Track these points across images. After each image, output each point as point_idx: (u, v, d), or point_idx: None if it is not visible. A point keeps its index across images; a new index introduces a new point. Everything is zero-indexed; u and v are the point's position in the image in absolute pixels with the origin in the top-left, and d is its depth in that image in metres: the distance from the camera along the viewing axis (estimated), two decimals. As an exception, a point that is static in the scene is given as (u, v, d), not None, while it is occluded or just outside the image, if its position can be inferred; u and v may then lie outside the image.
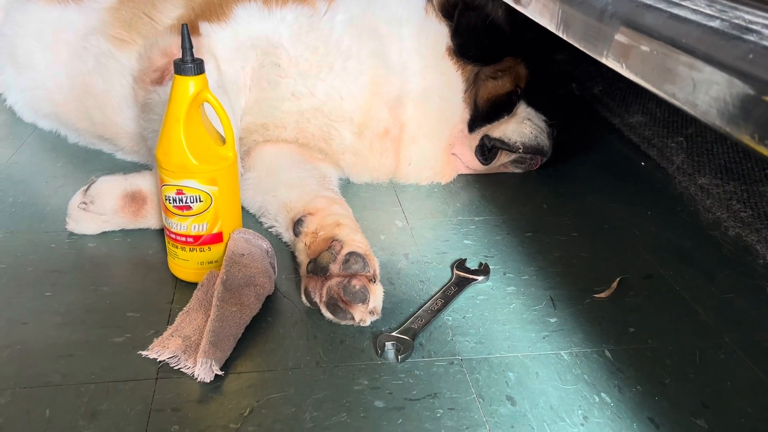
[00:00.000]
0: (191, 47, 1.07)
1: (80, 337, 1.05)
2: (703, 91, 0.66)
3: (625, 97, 2.13)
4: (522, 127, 1.64)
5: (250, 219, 1.40)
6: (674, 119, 1.96)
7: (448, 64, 1.57)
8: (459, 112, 1.59)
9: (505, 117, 1.63)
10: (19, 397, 0.93)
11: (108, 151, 1.67)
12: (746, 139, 0.61)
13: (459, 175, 1.68)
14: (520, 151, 1.63)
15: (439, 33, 1.58)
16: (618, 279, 1.25)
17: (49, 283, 1.18)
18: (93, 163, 1.63)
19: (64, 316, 1.10)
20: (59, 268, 1.22)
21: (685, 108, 0.70)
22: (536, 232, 1.43)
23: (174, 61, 1.07)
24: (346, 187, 1.59)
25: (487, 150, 1.62)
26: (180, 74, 1.07)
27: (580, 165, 1.78)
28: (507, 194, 1.61)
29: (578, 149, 1.85)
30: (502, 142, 1.62)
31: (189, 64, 1.06)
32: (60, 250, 1.28)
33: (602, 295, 1.22)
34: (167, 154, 1.09)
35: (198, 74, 1.07)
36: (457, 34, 1.57)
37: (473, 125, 1.60)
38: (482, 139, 1.62)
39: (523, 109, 1.67)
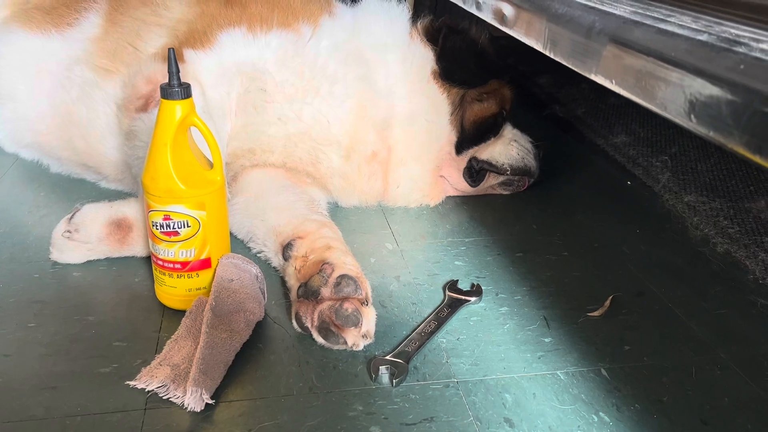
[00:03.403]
0: (178, 71, 1.06)
1: (65, 369, 1.02)
2: (695, 103, 0.66)
3: (608, 118, 2.15)
4: (509, 148, 1.65)
5: (238, 244, 1.38)
6: (657, 139, 1.98)
7: (434, 88, 1.58)
8: (446, 134, 1.59)
9: (492, 139, 1.64)
10: (1, 433, 0.90)
11: (91, 180, 1.65)
12: (741, 149, 0.61)
13: (447, 197, 1.68)
14: (508, 172, 1.64)
15: (425, 57, 1.59)
16: (610, 297, 1.24)
17: (32, 313, 1.15)
18: (76, 192, 1.60)
19: (48, 347, 1.07)
20: (42, 298, 1.19)
21: (677, 121, 0.70)
22: (527, 252, 1.42)
23: (161, 86, 1.06)
24: (335, 210, 1.58)
25: (474, 172, 1.63)
26: (167, 98, 1.06)
27: (567, 185, 1.79)
28: (496, 215, 1.61)
29: (564, 170, 1.86)
30: (489, 164, 1.62)
31: (176, 88, 1.05)
32: (43, 279, 1.25)
33: (595, 313, 1.21)
34: (154, 179, 1.07)
35: (185, 98, 1.07)
36: (442, 57, 1.59)
37: (460, 147, 1.61)
38: (470, 161, 1.62)
39: (509, 131, 1.68)
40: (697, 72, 0.67)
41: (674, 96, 0.70)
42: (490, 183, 1.68)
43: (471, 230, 1.52)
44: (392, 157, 1.56)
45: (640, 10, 0.88)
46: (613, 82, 0.82)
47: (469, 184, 1.64)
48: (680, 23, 0.79)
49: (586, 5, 0.93)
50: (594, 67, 0.86)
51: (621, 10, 0.88)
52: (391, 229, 1.51)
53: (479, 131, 1.62)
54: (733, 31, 0.73)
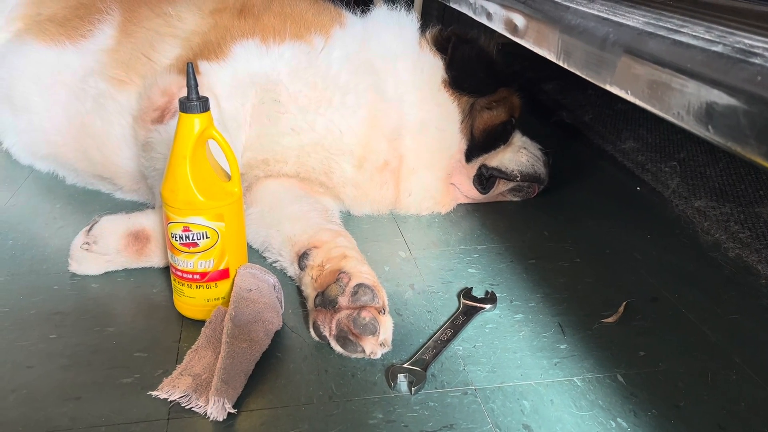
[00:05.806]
0: (196, 85, 1.08)
1: (87, 379, 1.03)
2: (712, 114, 0.67)
3: (615, 124, 2.17)
4: (518, 155, 1.66)
5: (253, 254, 1.39)
6: (665, 144, 1.99)
7: (444, 96, 1.59)
8: (456, 142, 1.60)
9: (502, 146, 1.65)
10: (28, 443, 0.91)
11: (106, 191, 1.67)
12: (759, 159, 0.62)
13: (458, 204, 1.69)
14: (518, 179, 1.65)
15: (434, 66, 1.61)
16: (624, 303, 1.25)
17: (53, 325, 1.16)
18: (92, 203, 1.62)
19: (69, 358, 1.08)
20: (63, 310, 1.21)
21: (694, 131, 0.71)
22: (539, 259, 1.43)
23: (179, 99, 1.08)
24: (347, 219, 1.59)
25: (485, 179, 1.64)
26: (186, 112, 1.07)
27: (576, 191, 1.80)
28: (507, 222, 1.62)
29: (574, 176, 1.87)
30: (499, 171, 1.64)
31: (195, 102, 1.07)
32: (63, 291, 1.26)
33: (610, 319, 1.22)
34: (173, 192, 1.09)
35: (203, 112, 1.08)
36: (451, 66, 1.60)
37: (470, 155, 1.62)
38: (480, 168, 1.64)
39: (518, 138, 1.69)
40: (713, 83, 0.68)
41: (691, 106, 0.71)
42: (500, 190, 1.69)
43: (483, 238, 1.53)
44: (403, 165, 1.57)
45: (652, 21, 0.90)
46: (629, 92, 0.83)
47: (480, 191, 1.65)
48: (694, 34, 0.80)
49: (599, 16, 0.94)
50: (609, 77, 0.87)
51: (634, 21, 0.89)
52: (403, 237, 1.52)
53: (489, 139, 1.63)
54: (746, 41, 0.75)
